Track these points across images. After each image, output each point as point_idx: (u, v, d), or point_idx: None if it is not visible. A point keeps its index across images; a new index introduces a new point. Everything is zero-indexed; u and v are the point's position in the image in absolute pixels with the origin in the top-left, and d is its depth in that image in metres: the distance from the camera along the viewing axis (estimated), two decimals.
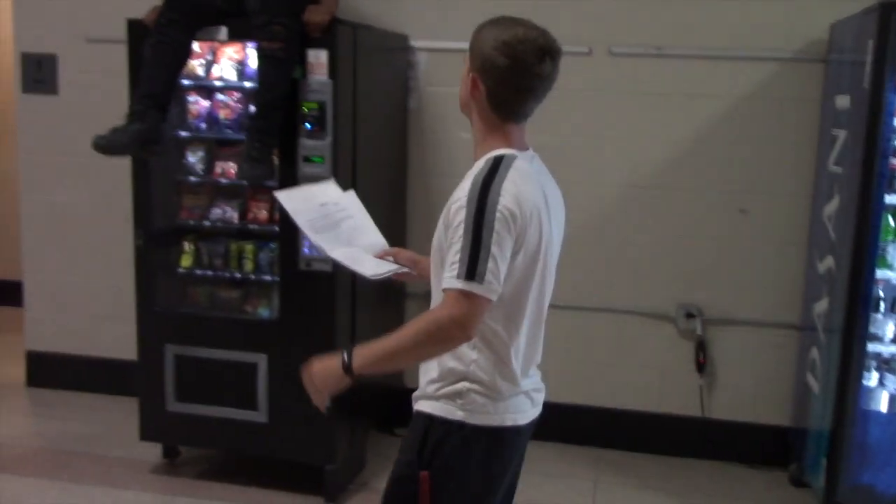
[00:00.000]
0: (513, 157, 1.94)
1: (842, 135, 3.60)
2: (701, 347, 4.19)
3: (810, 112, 4.00)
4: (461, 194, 1.89)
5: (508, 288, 1.91)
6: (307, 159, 3.50)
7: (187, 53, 3.58)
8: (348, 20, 3.61)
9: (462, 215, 1.85)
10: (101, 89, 4.54)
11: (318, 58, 3.45)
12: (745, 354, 4.22)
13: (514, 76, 1.92)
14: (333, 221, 2.38)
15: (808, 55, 3.98)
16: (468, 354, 1.96)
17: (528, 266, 1.94)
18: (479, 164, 1.94)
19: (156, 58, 3.48)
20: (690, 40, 4.09)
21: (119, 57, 4.12)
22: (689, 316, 4.21)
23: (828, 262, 3.69)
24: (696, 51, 4.08)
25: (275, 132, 3.43)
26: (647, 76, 4.15)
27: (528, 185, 1.92)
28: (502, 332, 1.96)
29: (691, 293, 4.23)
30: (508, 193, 1.86)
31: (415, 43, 4.30)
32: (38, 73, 4.69)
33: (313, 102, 3.46)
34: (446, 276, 1.85)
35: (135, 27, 3.63)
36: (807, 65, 3.99)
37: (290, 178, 3.46)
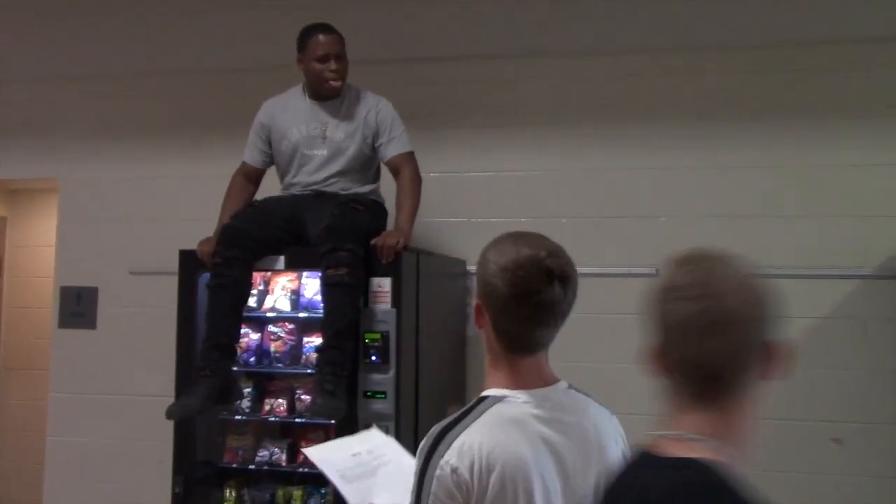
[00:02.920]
0: (496, 400, 1.66)
1: None
2: None
3: None
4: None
5: None
6: (369, 394, 3.22)
7: (249, 289, 3.40)
8: (411, 247, 3.45)
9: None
10: (140, 323, 4.37)
11: (382, 286, 3.26)
12: None
13: (517, 305, 1.64)
14: (369, 470, 2.16)
15: (890, 272, 3.77)
16: None
17: None
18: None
19: (217, 302, 3.29)
20: (762, 259, 3.89)
21: (161, 289, 4.02)
22: None
23: None
24: (768, 269, 3.87)
25: (348, 363, 3.18)
26: None
27: (504, 434, 1.62)
28: None
29: None
30: (457, 448, 1.59)
31: (472, 268, 4.13)
32: (77, 307, 4.51)
33: (376, 333, 3.23)
34: None
35: (188, 258, 3.47)
36: (890, 282, 3.78)
37: (351, 416, 3.18)
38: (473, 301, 1.75)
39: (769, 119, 3.95)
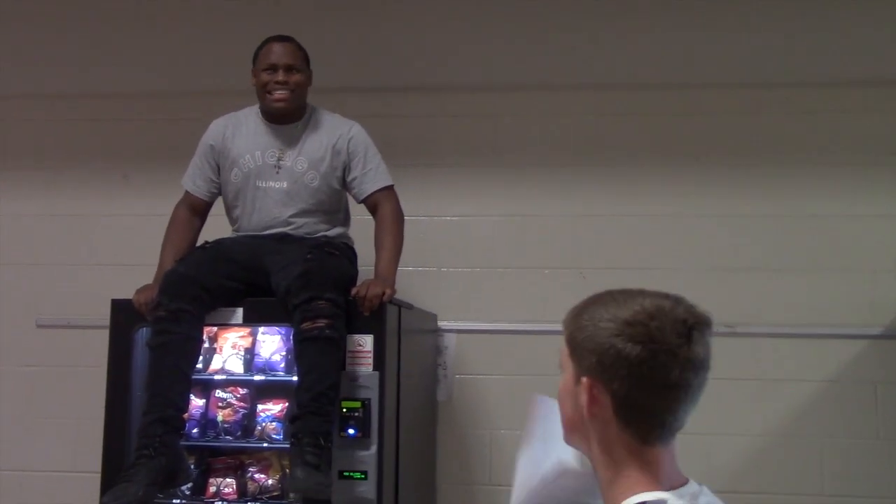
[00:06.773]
0: None
1: None
2: None
3: None
4: None
5: None
6: (345, 475, 2.68)
7: (199, 349, 2.82)
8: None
9: None
10: (50, 385, 3.70)
11: (363, 344, 2.74)
12: None
13: (658, 366, 1.24)
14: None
15: None
16: None
17: None
18: None
19: (161, 365, 2.69)
20: (762, 315, 3.57)
21: (75, 346, 3.64)
22: None
23: None
24: (771, 328, 3.56)
25: (331, 430, 2.63)
26: (717, 358, 3.55)
27: None
28: None
29: None
30: None
31: (444, 324, 3.64)
32: None
33: (356, 401, 2.70)
34: None
35: (121, 309, 2.87)
36: None
37: None
38: (573, 381, 1.30)
39: (770, 164, 3.63)
